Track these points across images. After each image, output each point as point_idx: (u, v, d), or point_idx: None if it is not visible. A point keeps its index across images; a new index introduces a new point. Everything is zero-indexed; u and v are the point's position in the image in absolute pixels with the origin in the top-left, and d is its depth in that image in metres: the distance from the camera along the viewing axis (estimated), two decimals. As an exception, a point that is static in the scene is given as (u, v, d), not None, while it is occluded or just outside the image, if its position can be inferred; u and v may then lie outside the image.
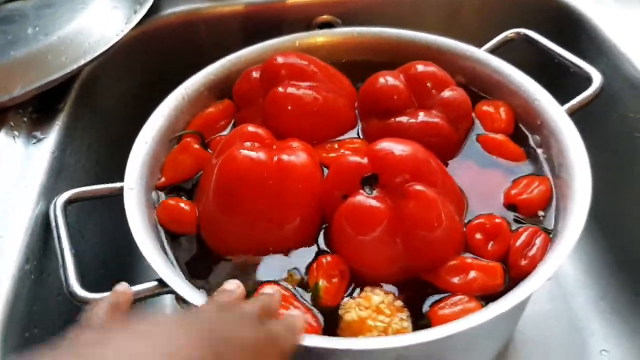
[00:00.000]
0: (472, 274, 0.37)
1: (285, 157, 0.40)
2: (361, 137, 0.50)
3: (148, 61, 0.64)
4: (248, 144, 0.41)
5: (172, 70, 0.65)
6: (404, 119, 0.47)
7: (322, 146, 0.48)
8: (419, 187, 0.37)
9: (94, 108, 0.57)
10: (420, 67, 0.49)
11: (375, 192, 0.39)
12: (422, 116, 0.46)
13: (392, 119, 0.47)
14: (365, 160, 0.40)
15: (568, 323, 0.51)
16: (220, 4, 0.64)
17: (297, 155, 0.41)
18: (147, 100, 0.64)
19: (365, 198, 0.38)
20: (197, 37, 0.65)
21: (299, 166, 0.40)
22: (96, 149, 0.56)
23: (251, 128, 0.44)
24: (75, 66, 0.50)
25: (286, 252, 0.40)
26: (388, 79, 0.49)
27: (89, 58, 0.50)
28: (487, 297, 0.37)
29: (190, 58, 0.66)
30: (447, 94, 0.48)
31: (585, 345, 0.50)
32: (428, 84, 0.48)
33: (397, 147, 0.39)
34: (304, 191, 0.40)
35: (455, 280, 0.37)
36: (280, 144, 0.44)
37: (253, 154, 0.40)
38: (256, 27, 0.64)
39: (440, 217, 0.37)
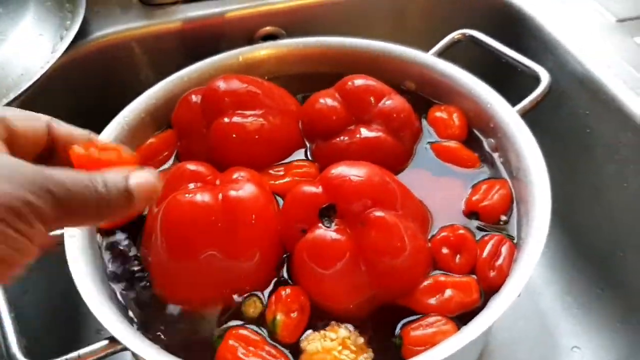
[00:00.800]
0: (448, 292, 0.36)
1: (232, 193, 0.38)
2: (310, 157, 0.48)
3: (80, 89, 0.60)
4: (191, 185, 0.39)
5: (108, 96, 0.62)
6: (345, 138, 0.46)
7: (268, 172, 0.46)
8: (378, 213, 0.36)
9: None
10: (355, 82, 0.48)
11: (334, 224, 0.37)
12: (363, 132, 0.46)
13: (335, 139, 0.46)
14: (320, 190, 0.38)
15: (537, 322, 0.51)
16: (155, 22, 0.60)
17: (244, 189, 0.39)
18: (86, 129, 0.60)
19: (325, 231, 0.36)
20: (132, 59, 0.61)
21: (247, 201, 0.38)
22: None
23: (191, 166, 0.41)
24: (-3, 106, 0.46)
25: (246, 292, 0.38)
26: (326, 100, 0.48)
27: (12, 96, 0.46)
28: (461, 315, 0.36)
29: (127, 82, 0.63)
30: (384, 104, 0.47)
31: (556, 343, 0.50)
32: (364, 98, 0.47)
33: (350, 173, 0.38)
34: (258, 226, 0.38)
35: (432, 301, 0.36)
36: (224, 176, 0.41)
37: (197, 197, 0.37)
38: (196, 44, 0.62)
39: (404, 242, 0.36)
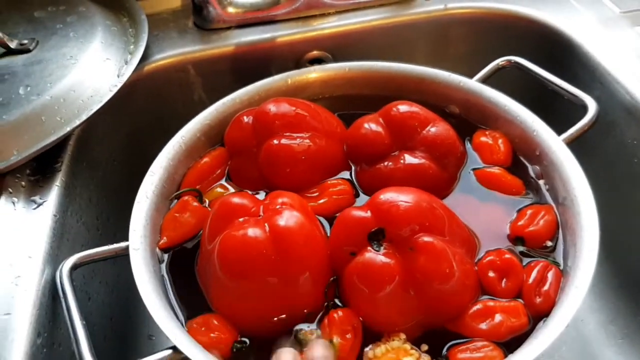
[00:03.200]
0: (498, 317, 0.37)
1: (279, 222, 0.40)
2: (354, 179, 0.50)
3: (140, 108, 0.63)
4: (240, 219, 0.41)
5: (164, 115, 0.66)
6: (390, 163, 0.47)
7: (305, 194, 0.48)
8: (427, 238, 0.37)
9: (90, 162, 0.56)
10: (400, 108, 0.49)
11: (383, 248, 0.39)
12: (407, 159, 0.47)
13: (379, 164, 0.48)
14: (368, 214, 0.40)
15: (580, 349, 0.51)
16: (210, 46, 0.64)
17: (289, 217, 0.40)
18: (141, 148, 0.64)
19: (375, 255, 0.38)
20: (187, 80, 0.65)
21: (294, 229, 0.40)
22: (96, 203, 0.56)
23: (235, 199, 0.44)
24: (70, 127, 0.49)
25: (303, 316, 0.40)
26: (370, 126, 0.49)
27: (84, 117, 0.50)
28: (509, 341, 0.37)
29: (181, 102, 0.66)
30: (429, 132, 0.48)
31: (599, 371, 0.50)
32: (409, 124, 0.48)
33: (399, 199, 0.39)
34: (307, 251, 0.40)
35: (483, 326, 0.37)
36: (268, 204, 0.43)
37: (249, 232, 0.39)
38: (247, 67, 0.65)
39: (452, 267, 0.37)
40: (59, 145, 0.52)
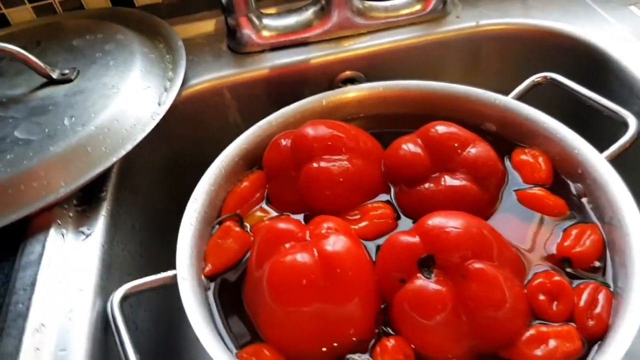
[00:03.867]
0: (552, 342, 0.37)
1: (327, 248, 0.40)
2: (394, 201, 0.50)
3: (177, 132, 0.65)
4: (287, 245, 0.41)
5: (200, 139, 0.67)
6: (431, 185, 0.47)
7: (346, 217, 0.48)
8: (478, 265, 0.38)
9: (132, 188, 0.57)
10: (438, 129, 0.49)
11: (433, 275, 0.39)
12: (447, 181, 0.47)
13: (420, 186, 0.48)
14: (417, 240, 0.40)
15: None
16: (244, 69, 0.65)
17: (336, 242, 0.41)
18: (178, 171, 0.65)
19: (426, 282, 0.38)
20: (223, 104, 0.66)
21: (342, 254, 0.40)
22: (138, 230, 0.57)
23: (281, 225, 0.44)
24: (115, 157, 0.51)
25: (353, 345, 0.40)
26: (409, 147, 0.49)
27: (129, 147, 0.51)
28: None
29: (216, 125, 0.67)
30: (469, 153, 0.48)
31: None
32: (448, 145, 0.48)
33: (448, 224, 0.40)
34: (356, 277, 0.40)
35: (538, 352, 0.37)
36: (313, 229, 0.44)
37: (298, 258, 0.40)
38: (281, 88, 0.65)
39: (505, 294, 0.37)
40: (103, 176, 0.53)
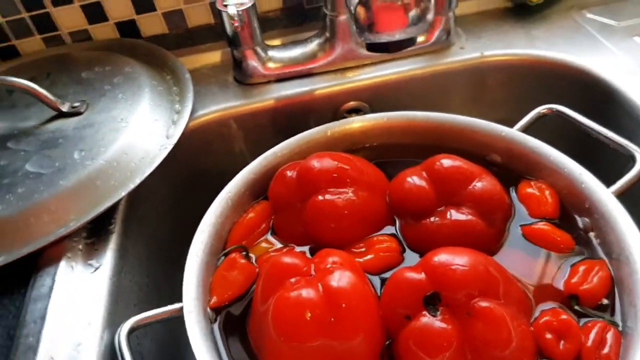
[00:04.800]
0: (559, 382, 0.37)
1: (332, 283, 0.40)
2: (399, 233, 0.50)
3: (184, 163, 0.65)
4: (292, 280, 0.42)
5: (206, 168, 0.67)
6: (436, 219, 0.47)
7: (351, 249, 0.48)
8: (484, 303, 0.37)
9: (139, 219, 0.58)
10: (444, 162, 0.49)
11: (439, 313, 0.39)
12: (453, 215, 0.47)
13: (425, 220, 0.48)
14: (422, 276, 0.40)
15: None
16: (250, 100, 0.66)
17: (341, 278, 0.41)
18: (185, 201, 0.65)
19: (432, 320, 0.38)
20: (229, 134, 0.67)
21: (347, 290, 0.40)
22: (145, 261, 0.57)
23: (286, 259, 0.44)
24: (124, 192, 0.51)
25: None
26: (414, 180, 0.49)
27: (137, 181, 0.52)
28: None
29: (222, 155, 0.68)
30: (475, 187, 0.48)
31: None
32: (454, 179, 0.48)
33: (454, 262, 0.40)
34: (361, 312, 0.40)
35: (545, 392, 0.37)
36: (318, 263, 0.44)
37: (303, 293, 0.40)
38: (287, 119, 0.66)
39: (511, 334, 0.37)
40: (112, 208, 0.54)
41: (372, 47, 0.53)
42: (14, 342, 0.43)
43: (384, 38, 0.52)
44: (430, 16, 0.50)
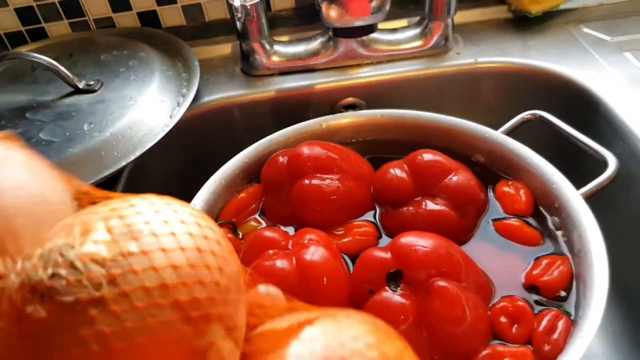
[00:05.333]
0: (506, 361, 0.39)
1: (305, 257, 0.43)
2: (377, 220, 0.53)
3: (187, 145, 0.69)
4: (270, 252, 0.45)
5: (208, 152, 0.71)
6: (411, 208, 0.50)
7: (332, 232, 0.51)
8: (442, 283, 0.40)
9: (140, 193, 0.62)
10: (424, 157, 0.52)
11: (400, 289, 0.41)
12: (428, 205, 0.50)
13: (402, 208, 0.51)
14: (389, 255, 0.43)
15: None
16: (254, 91, 0.69)
17: (315, 252, 0.44)
18: (186, 181, 0.69)
19: (391, 295, 0.41)
20: (231, 121, 0.70)
21: (318, 263, 0.43)
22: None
23: (267, 233, 0.48)
24: (125, 162, 0.55)
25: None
26: (396, 172, 0.52)
27: (138, 153, 0.56)
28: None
29: (224, 140, 0.71)
30: (451, 180, 0.50)
31: None
32: (432, 172, 0.51)
33: (418, 243, 0.42)
34: (330, 285, 0.43)
35: (493, 370, 0.39)
36: (297, 239, 0.47)
37: (277, 263, 0.43)
38: (286, 110, 0.70)
39: (465, 313, 0.39)
40: (114, 178, 0.58)
41: (338, 32, 0.60)
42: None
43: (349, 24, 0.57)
44: (387, 6, 0.55)
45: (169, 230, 0.23)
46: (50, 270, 0.20)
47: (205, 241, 0.24)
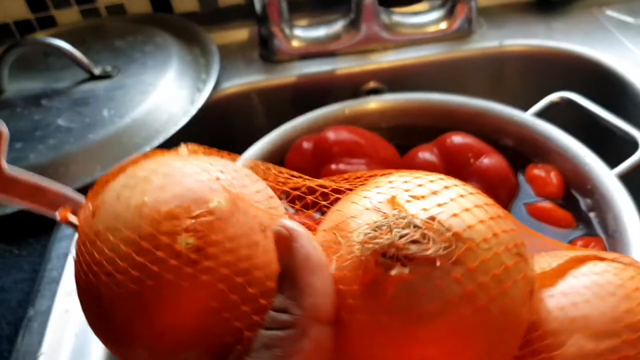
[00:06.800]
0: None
1: None
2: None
3: (206, 131, 0.68)
4: None
5: (227, 139, 0.70)
6: None
7: None
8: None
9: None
10: (454, 139, 0.52)
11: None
12: None
13: None
14: None
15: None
16: (273, 76, 0.68)
17: None
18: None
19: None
20: (251, 107, 0.69)
21: None
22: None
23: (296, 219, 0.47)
24: (148, 148, 0.54)
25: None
26: (425, 155, 0.52)
27: (161, 139, 0.55)
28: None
29: (243, 127, 0.70)
30: (482, 163, 0.50)
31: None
32: (463, 155, 0.51)
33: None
34: None
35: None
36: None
37: None
38: (307, 96, 0.69)
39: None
40: (135, 164, 0.57)
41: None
42: (38, 275, 0.46)
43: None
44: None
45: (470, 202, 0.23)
46: (401, 233, 0.21)
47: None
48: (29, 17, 0.80)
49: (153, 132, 0.56)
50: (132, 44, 0.70)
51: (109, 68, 0.65)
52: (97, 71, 0.64)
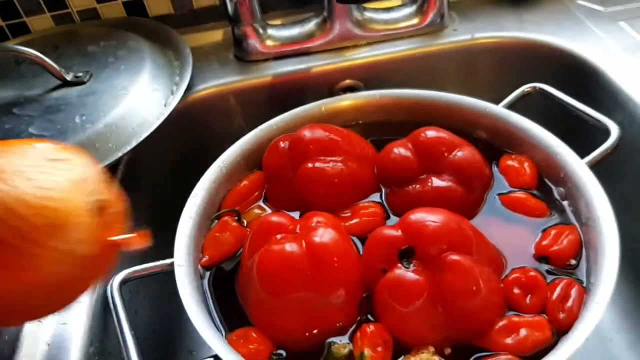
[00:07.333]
0: (523, 331, 0.39)
1: (315, 239, 0.43)
2: (384, 201, 0.52)
3: (183, 134, 0.68)
4: (278, 236, 0.44)
5: (205, 141, 0.70)
6: (417, 186, 0.50)
7: (338, 214, 0.50)
8: (454, 257, 0.39)
9: (138, 185, 0.60)
10: (427, 134, 0.52)
11: (412, 265, 0.41)
12: (434, 182, 0.49)
13: (408, 187, 0.50)
14: (399, 233, 0.42)
15: (609, 369, 0.52)
16: (249, 76, 0.68)
17: (324, 234, 0.43)
18: (184, 171, 0.68)
19: (404, 272, 0.40)
20: (227, 109, 0.69)
21: (329, 245, 0.43)
22: (142, 223, 0.59)
23: (274, 218, 0.47)
24: (121, 153, 0.54)
25: (336, 330, 0.42)
26: (400, 151, 0.52)
27: (134, 143, 0.54)
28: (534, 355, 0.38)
29: (221, 128, 0.70)
30: (455, 156, 0.50)
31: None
32: (436, 149, 0.51)
33: (428, 219, 0.42)
34: (341, 267, 0.42)
35: (509, 341, 0.39)
36: (304, 222, 0.46)
37: (286, 247, 0.42)
38: (283, 95, 0.69)
39: (479, 286, 0.39)
40: (111, 170, 0.56)
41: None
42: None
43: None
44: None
45: None
46: None
47: None
48: (0, 24, 0.79)
49: (126, 137, 0.55)
50: (105, 48, 0.69)
51: (80, 74, 0.64)
52: (69, 77, 0.64)
